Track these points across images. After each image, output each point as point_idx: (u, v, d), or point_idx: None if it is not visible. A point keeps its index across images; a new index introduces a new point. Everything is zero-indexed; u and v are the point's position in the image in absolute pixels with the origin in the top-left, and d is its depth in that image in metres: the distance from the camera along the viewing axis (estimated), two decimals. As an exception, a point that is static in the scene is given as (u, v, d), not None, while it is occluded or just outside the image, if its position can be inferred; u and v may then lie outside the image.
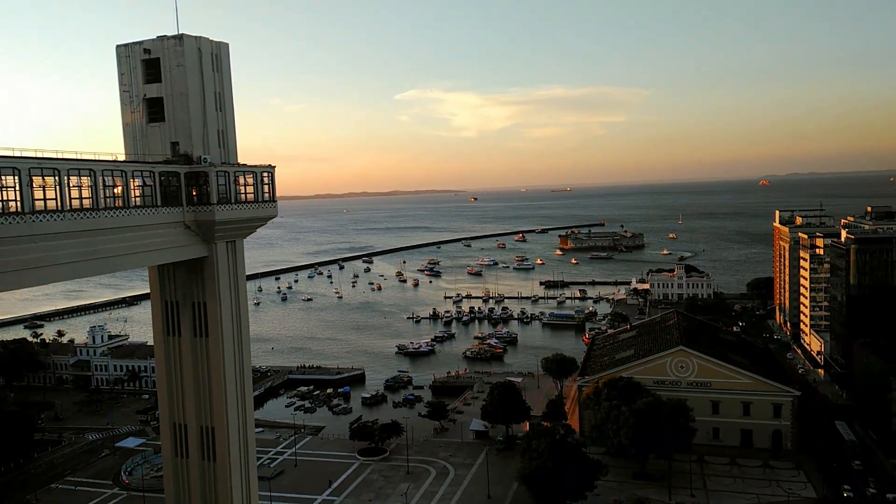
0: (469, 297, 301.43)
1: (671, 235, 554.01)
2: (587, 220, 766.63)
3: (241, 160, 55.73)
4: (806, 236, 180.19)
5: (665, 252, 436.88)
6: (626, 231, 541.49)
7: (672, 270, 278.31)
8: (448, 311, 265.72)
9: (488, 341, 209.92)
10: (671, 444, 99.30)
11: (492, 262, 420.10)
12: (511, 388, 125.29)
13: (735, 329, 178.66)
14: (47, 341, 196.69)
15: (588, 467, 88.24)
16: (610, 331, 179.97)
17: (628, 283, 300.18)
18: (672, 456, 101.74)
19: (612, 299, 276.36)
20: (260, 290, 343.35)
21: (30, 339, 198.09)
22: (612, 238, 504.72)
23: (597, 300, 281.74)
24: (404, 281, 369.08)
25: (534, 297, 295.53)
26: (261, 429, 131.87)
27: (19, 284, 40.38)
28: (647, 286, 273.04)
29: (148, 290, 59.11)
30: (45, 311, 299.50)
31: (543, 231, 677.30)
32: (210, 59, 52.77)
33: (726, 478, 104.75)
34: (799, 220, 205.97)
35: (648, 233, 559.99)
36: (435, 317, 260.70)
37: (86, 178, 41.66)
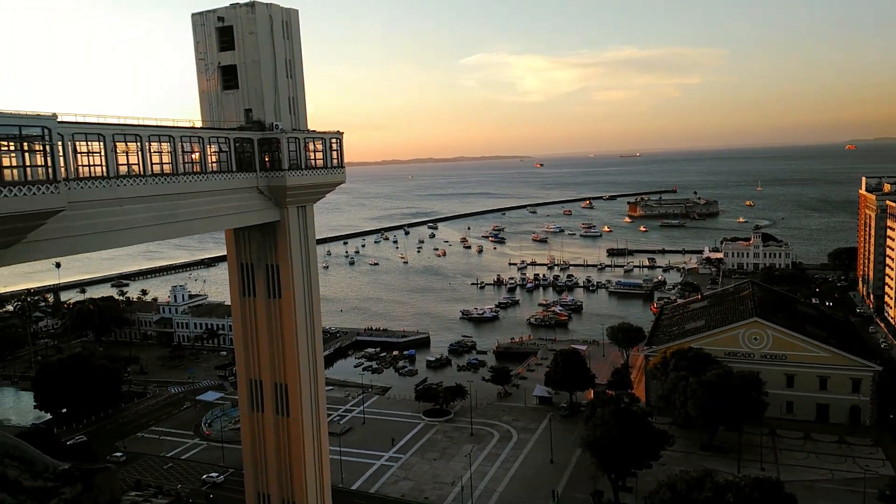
0: (533, 263, 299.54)
1: (748, 203, 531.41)
2: (658, 187, 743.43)
3: (308, 127, 56.68)
4: (894, 204, 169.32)
5: (741, 220, 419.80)
6: (699, 198, 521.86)
7: (748, 239, 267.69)
8: (512, 278, 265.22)
9: (553, 308, 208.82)
10: (741, 416, 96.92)
11: (557, 230, 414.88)
12: (575, 355, 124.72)
13: (814, 301, 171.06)
14: (132, 299, 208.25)
15: (654, 436, 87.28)
16: (680, 300, 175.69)
17: (700, 252, 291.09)
18: (742, 429, 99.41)
19: (683, 268, 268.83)
20: (329, 253, 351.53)
21: (116, 297, 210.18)
22: (685, 205, 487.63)
23: (666, 269, 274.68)
24: (469, 247, 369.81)
25: (600, 265, 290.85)
26: (330, 387, 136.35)
27: (107, 245, 42.79)
28: (720, 255, 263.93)
29: (223, 252, 61.47)
30: (130, 270, 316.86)
31: (611, 198, 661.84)
32: (280, 25, 53.45)
33: (799, 452, 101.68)
34: (887, 188, 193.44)
35: (723, 200, 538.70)
36: (499, 283, 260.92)
37: (165, 143, 43.28)
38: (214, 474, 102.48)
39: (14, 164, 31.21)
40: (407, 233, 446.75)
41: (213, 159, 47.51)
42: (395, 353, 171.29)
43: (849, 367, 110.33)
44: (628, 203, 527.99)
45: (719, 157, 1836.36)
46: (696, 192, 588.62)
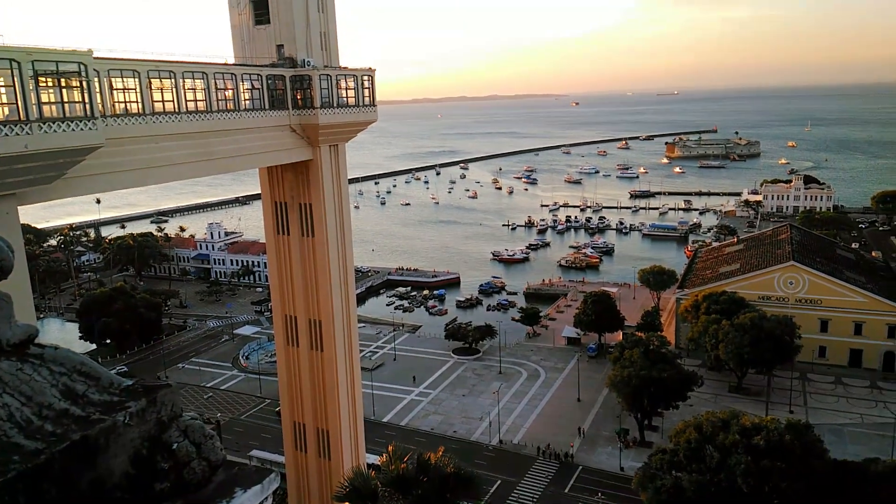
0: (566, 205, 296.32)
1: (790, 144, 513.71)
2: (697, 127, 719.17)
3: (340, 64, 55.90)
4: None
5: (783, 161, 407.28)
6: (740, 138, 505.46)
7: (789, 181, 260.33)
8: (543, 220, 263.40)
9: (584, 251, 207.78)
10: (772, 359, 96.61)
11: (592, 171, 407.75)
12: (605, 297, 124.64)
13: (854, 245, 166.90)
14: (170, 236, 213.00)
15: (682, 377, 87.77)
16: (715, 244, 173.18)
17: (739, 195, 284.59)
18: (772, 372, 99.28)
19: (720, 211, 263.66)
20: (360, 193, 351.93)
21: (155, 233, 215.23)
22: (725, 146, 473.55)
23: (703, 212, 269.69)
24: (500, 188, 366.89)
25: (634, 207, 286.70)
26: (363, 324, 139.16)
27: (144, 182, 43.67)
28: (759, 198, 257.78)
29: (256, 191, 62.12)
30: (168, 207, 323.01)
31: (648, 138, 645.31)
32: (311, -43, 52.10)
33: (829, 396, 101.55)
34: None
35: (766, 140, 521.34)
36: (530, 225, 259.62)
37: (199, 80, 43.25)
38: (219, 414, 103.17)
39: (53, 100, 31.60)
40: (438, 173, 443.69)
41: (246, 97, 47.42)
42: (426, 292, 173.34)
43: (886, 313, 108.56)
44: (666, 143, 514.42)
45: (767, 96, 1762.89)
46: (737, 133, 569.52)
